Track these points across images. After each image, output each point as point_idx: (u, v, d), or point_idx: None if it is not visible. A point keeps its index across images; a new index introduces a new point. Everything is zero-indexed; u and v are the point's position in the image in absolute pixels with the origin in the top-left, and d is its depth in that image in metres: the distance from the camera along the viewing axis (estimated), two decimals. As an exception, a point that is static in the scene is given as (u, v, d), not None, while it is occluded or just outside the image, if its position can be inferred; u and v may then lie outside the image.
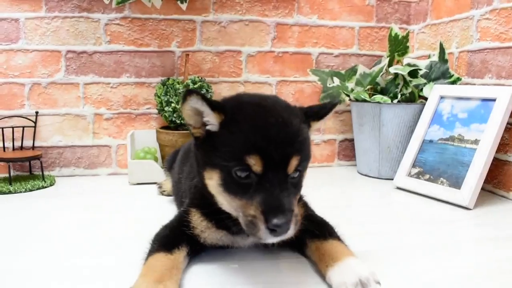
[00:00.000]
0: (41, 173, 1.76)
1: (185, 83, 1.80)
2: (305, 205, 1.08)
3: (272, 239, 0.82)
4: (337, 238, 0.99)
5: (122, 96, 1.93)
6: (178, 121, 1.78)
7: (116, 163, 1.95)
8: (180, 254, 0.93)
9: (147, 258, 0.91)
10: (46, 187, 1.71)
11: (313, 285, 0.91)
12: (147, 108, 1.96)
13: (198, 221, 0.98)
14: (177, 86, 1.79)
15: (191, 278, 0.93)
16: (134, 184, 1.76)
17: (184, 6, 1.85)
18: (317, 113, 0.97)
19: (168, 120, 1.81)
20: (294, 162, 0.84)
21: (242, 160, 0.81)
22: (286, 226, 0.79)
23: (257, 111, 0.87)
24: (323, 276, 0.92)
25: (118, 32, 1.90)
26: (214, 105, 0.85)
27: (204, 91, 1.80)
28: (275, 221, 0.78)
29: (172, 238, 0.96)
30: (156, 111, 1.94)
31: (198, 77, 1.85)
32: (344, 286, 0.83)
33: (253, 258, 1.04)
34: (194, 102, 0.84)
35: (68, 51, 1.87)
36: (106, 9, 1.88)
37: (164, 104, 1.79)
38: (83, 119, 1.91)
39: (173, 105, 1.76)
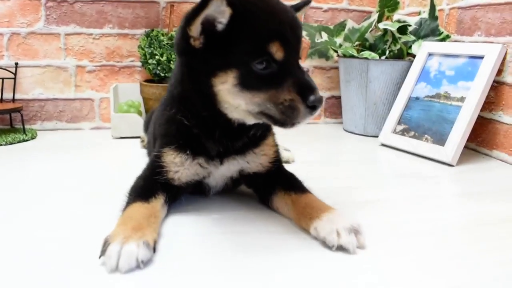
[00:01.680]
0: (22, 126, 1.73)
1: (169, 35, 1.75)
2: (277, 152, 1.08)
3: (309, 118, 0.84)
4: (311, 193, 0.99)
5: (105, 48, 1.88)
6: (162, 74, 1.74)
7: (99, 116, 1.92)
8: (157, 202, 0.92)
9: (124, 209, 0.90)
10: (27, 140, 1.68)
11: (291, 234, 0.91)
12: (131, 61, 1.91)
13: (171, 159, 0.97)
14: (162, 38, 1.74)
15: (170, 228, 0.93)
16: (118, 138, 1.73)
17: (169, -45, 1.78)
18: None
19: (152, 73, 1.77)
20: (301, 45, 0.90)
21: (263, 50, 0.82)
22: (321, 100, 0.83)
23: (263, 1, 0.86)
24: (301, 228, 0.93)
25: (100, -20, 1.83)
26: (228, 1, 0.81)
27: (189, 44, 1.76)
28: (313, 97, 0.82)
29: (147, 188, 0.95)
30: (139, 63, 1.89)
31: (183, 29, 1.80)
32: (335, 232, 0.83)
33: (229, 209, 1.05)
34: (218, 5, 0.80)
35: (48, 0, 1.80)
36: (87, -45, 1.80)
37: (148, 57, 1.75)
38: (65, 71, 1.86)
39: (157, 57, 1.72)
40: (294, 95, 0.83)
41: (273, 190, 1.01)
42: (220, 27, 0.83)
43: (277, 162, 1.06)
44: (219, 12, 0.81)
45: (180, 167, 0.97)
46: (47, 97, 1.86)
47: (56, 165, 1.39)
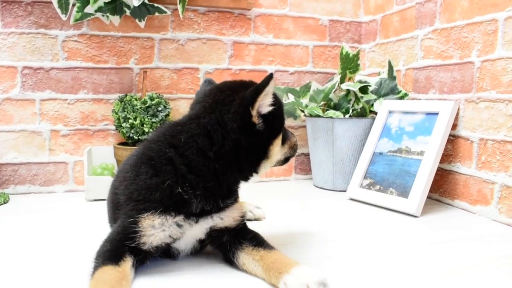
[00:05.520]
0: (-6, 190, 1.73)
1: (142, 99, 1.82)
2: (243, 214, 1.13)
3: None
4: (279, 250, 1.03)
5: (80, 112, 1.93)
6: (136, 137, 1.79)
7: (73, 179, 1.94)
8: (127, 265, 0.94)
9: (93, 274, 0.90)
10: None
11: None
12: (105, 125, 1.97)
13: (149, 223, 0.97)
14: (135, 102, 1.81)
15: None
16: (91, 201, 1.75)
17: (142, 24, 1.89)
18: None
19: (126, 136, 1.82)
20: None
21: (284, 117, 1.13)
22: None
23: None
24: (269, 283, 0.97)
25: (76, 48, 1.91)
26: None
27: (162, 107, 1.83)
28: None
29: (115, 251, 0.96)
30: (113, 127, 1.95)
31: (156, 93, 1.88)
32: (306, 286, 0.88)
33: (197, 266, 1.07)
34: (272, 84, 1.00)
35: (25, 67, 1.86)
36: (64, 25, 1.89)
37: (121, 120, 1.80)
38: (39, 135, 1.89)
39: (130, 121, 1.78)
40: (295, 138, 1.19)
41: (240, 246, 1.05)
42: (265, 109, 1.03)
43: (244, 216, 1.12)
44: (267, 94, 1.01)
45: (157, 229, 0.98)
46: (20, 161, 1.88)
47: (28, 229, 1.39)
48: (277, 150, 1.09)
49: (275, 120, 1.06)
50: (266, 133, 1.04)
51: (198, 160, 0.99)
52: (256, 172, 1.08)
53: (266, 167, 1.09)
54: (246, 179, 1.09)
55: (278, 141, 1.08)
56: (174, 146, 1.01)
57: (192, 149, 0.99)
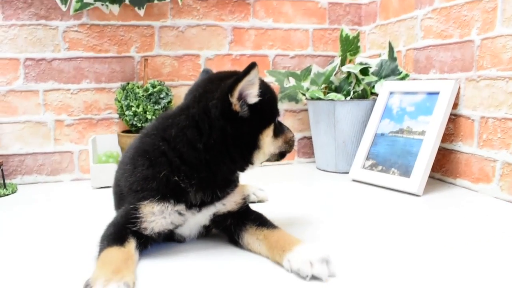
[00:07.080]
0: (2, 181, 1.76)
1: (144, 87, 1.84)
2: (246, 197, 1.16)
3: None
4: (282, 229, 1.06)
5: (83, 102, 1.95)
6: (139, 125, 1.81)
7: (79, 168, 1.96)
8: (131, 246, 0.96)
9: (99, 256, 0.93)
10: (7, 194, 1.71)
11: (259, 270, 0.96)
12: (108, 113, 1.99)
13: (150, 210, 1.00)
14: (137, 90, 1.82)
15: (144, 274, 0.96)
16: (97, 188, 1.78)
17: (141, 12, 1.89)
18: None
19: (129, 124, 1.84)
20: None
21: (278, 109, 1.12)
22: None
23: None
24: (273, 261, 0.99)
25: (77, 38, 1.92)
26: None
27: (164, 94, 1.84)
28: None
29: (119, 233, 0.98)
30: (117, 115, 1.97)
31: (157, 81, 1.89)
32: (309, 263, 0.90)
33: (202, 248, 1.09)
34: (256, 74, 0.98)
35: (27, 59, 1.88)
36: (64, 16, 1.90)
37: (124, 108, 1.82)
38: (44, 126, 1.92)
39: (133, 109, 1.79)
40: (292, 134, 1.16)
41: (243, 227, 1.07)
42: (252, 100, 1.01)
43: (246, 198, 1.14)
44: (251, 84, 0.99)
45: (158, 216, 1.01)
46: (26, 151, 1.91)
47: (37, 218, 1.42)
48: (268, 141, 1.07)
49: (264, 111, 1.05)
50: (254, 122, 1.03)
51: (188, 152, 1.01)
52: (251, 163, 1.08)
53: (260, 159, 1.09)
54: (242, 169, 1.09)
55: (268, 132, 1.07)
56: (166, 140, 1.03)
57: (182, 142, 1.02)
